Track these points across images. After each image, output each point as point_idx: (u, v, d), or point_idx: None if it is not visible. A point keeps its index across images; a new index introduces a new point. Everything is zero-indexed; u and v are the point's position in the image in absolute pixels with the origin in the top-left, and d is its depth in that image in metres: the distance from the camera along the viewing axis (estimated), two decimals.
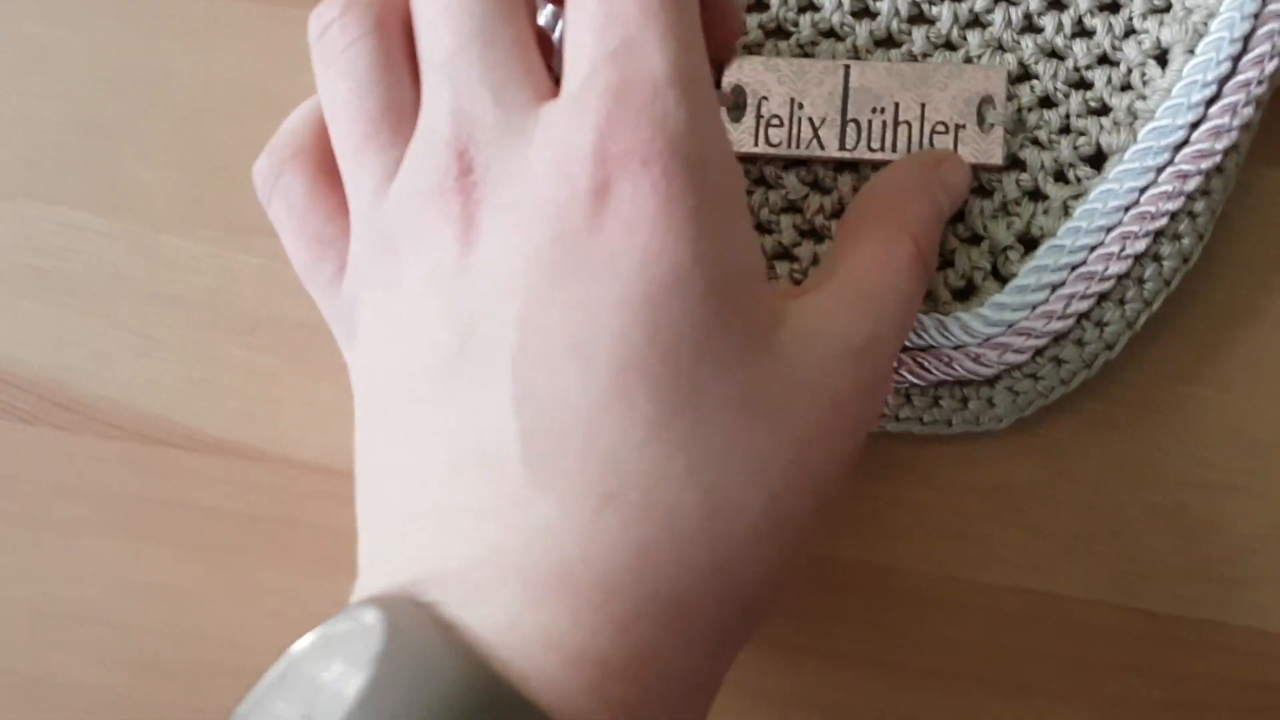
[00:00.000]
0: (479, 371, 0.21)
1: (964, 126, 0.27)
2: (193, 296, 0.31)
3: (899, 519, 0.28)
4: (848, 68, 0.28)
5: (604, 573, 0.20)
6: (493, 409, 0.20)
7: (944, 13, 0.28)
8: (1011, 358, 0.26)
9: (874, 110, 0.27)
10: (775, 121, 0.28)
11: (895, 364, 0.27)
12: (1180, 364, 0.28)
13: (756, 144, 0.28)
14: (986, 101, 0.27)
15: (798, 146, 0.28)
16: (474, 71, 0.22)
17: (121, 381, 0.31)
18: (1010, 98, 0.27)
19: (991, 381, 0.27)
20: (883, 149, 0.27)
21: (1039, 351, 0.27)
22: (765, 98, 0.28)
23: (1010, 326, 0.26)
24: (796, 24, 0.28)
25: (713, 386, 0.20)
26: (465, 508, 0.20)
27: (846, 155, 0.27)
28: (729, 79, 0.28)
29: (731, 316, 0.21)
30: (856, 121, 0.27)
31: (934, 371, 0.27)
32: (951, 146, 0.27)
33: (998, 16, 0.28)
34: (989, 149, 0.27)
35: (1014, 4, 0.28)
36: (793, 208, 0.28)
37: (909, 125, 0.27)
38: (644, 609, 0.20)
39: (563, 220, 0.20)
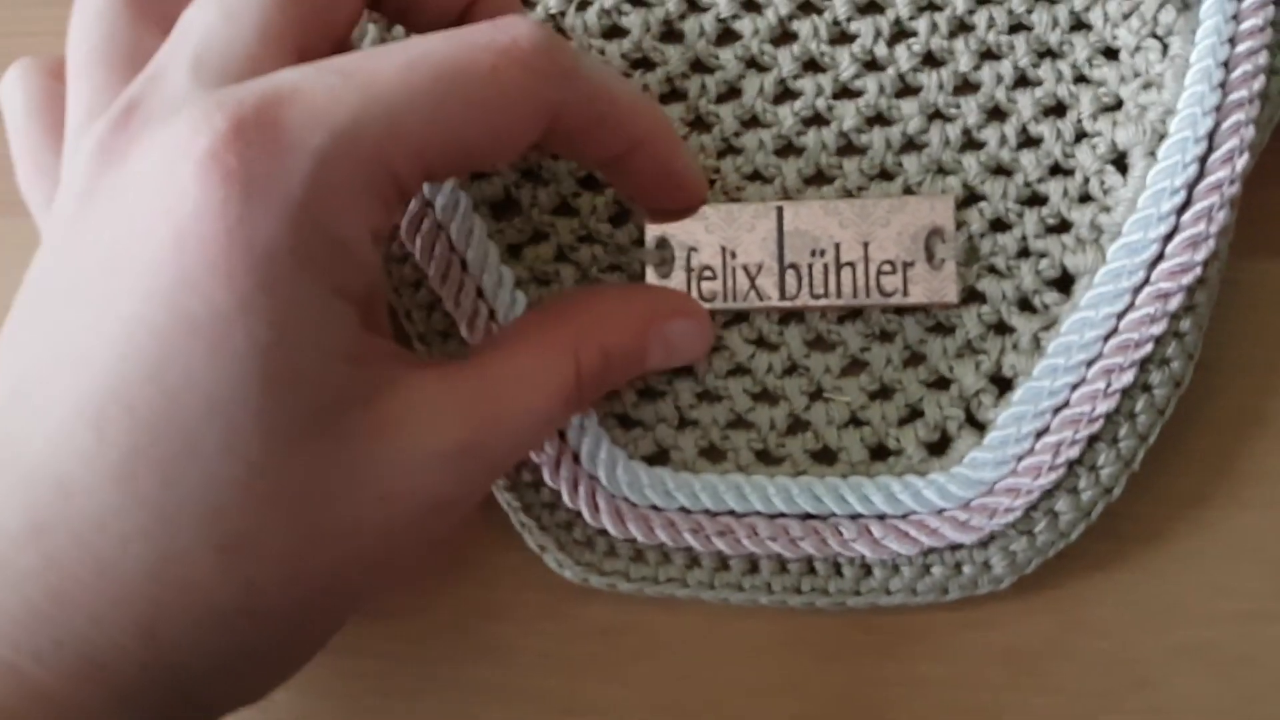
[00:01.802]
0: (6, 348, 0.19)
1: (912, 264, 0.24)
2: None
3: (910, 701, 0.26)
4: (780, 209, 0.25)
5: (9, 610, 0.18)
6: (5, 382, 0.19)
7: (875, 140, 0.25)
8: (1002, 518, 0.24)
9: (813, 253, 0.25)
10: (708, 274, 0.25)
11: (876, 536, 0.24)
12: (1187, 486, 0.25)
13: None
14: (934, 234, 0.24)
15: (735, 299, 0.25)
16: (194, 33, 0.20)
17: None
18: (959, 225, 0.25)
19: (985, 543, 0.24)
20: (826, 294, 0.25)
21: (1032, 506, 0.24)
22: (694, 249, 0.25)
23: (995, 485, 0.23)
24: (718, 170, 0.26)
25: (211, 453, 0.18)
26: None
27: (788, 305, 0.25)
28: (653, 231, 0.25)
29: (269, 390, 0.18)
30: (795, 267, 0.25)
31: (920, 540, 0.24)
32: (900, 286, 0.24)
33: (934, 136, 0.25)
34: (942, 287, 0.24)
35: (949, 121, 0.25)
36: (740, 370, 0.25)
37: (853, 267, 0.24)
38: (45, 658, 0.18)
39: (133, 213, 0.18)
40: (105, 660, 0.18)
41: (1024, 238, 0.25)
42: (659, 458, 0.25)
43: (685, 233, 0.25)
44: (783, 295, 0.25)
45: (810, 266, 0.25)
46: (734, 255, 0.25)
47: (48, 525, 0.18)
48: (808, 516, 0.25)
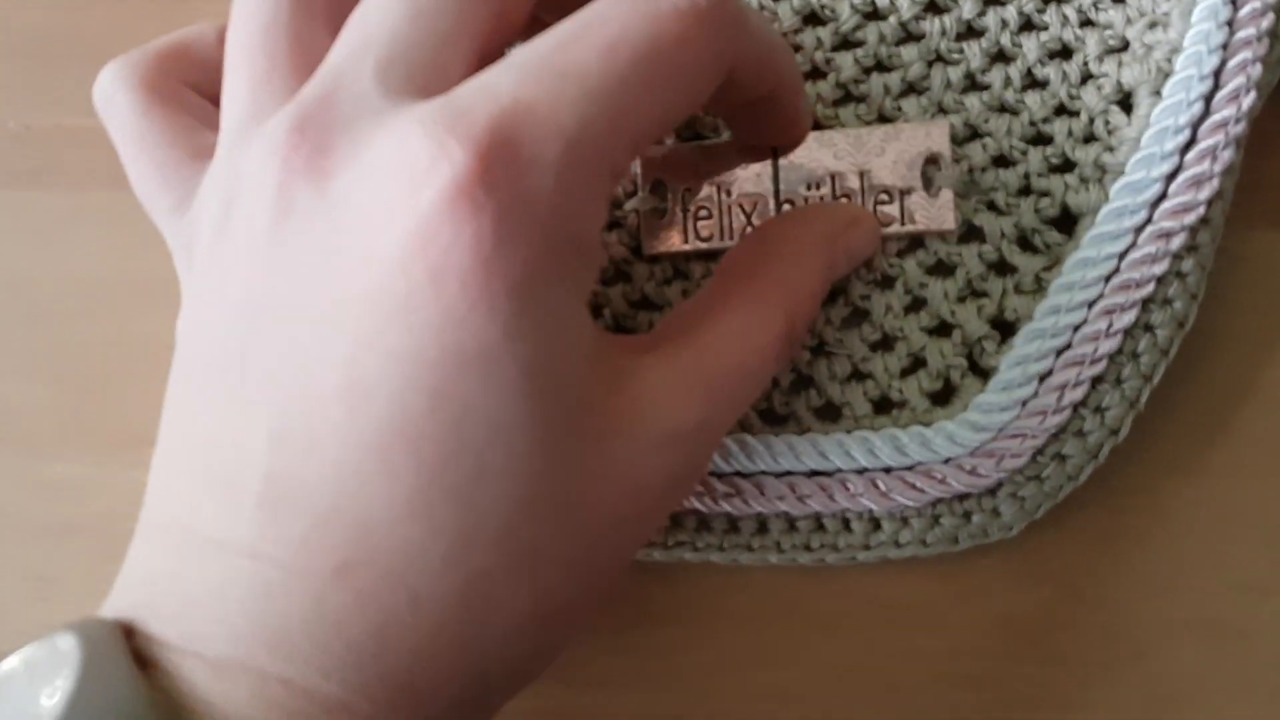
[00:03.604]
0: (253, 380, 0.19)
1: (909, 192, 0.24)
2: (87, 525, 0.28)
3: (907, 672, 0.25)
4: (774, 148, 0.25)
5: (326, 647, 0.18)
6: (250, 431, 0.18)
7: (873, 87, 0.25)
8: (1010, 463, 0.23)
9: (809, 187, 0.24)
10: (703, 214, 0.25)
11: (883, 489, 0.24)
12: (1187, 456, 0.25)
13: (686, 241, 0.25)
14: (931, 161, 0.24)
15: (732, 238, 0.25)
16: (379, 34, 0.19)
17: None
18: (958, 160, 0.24)
19: (993, 490, 0.24)
20: None
21: (1039, 451, 0.24)
22: (688, 189, 0.25)
23: (1001, 430, 0.23)
24: (716, 129, 0.26)
25: (496, 473, 0.18)
26: (203, 535, 0.19)
27: None
28: (645, 176, 0.25)
29: (538, 406, 0.18)
30: (792, 202, 0.25)
31: (927, 490, 0.24)
32: (898, 215, 0.24)
33: (935, 80, 0.25)
34: (940, 214, 0.24)
35: (952, 64, 0.25)
36: None
37: (849, 198, 0.24)
38: (370, 691, 0.18)
39: (370, 243, 0.18)
40: (423, 689, 0.19)
41: (1026, 175, 0.24)
42: None
43: (678, 176, 0.25)
44: None
45: (806, 200, 0.25)
46: (728, 193, 0.25)
47: (354, 563, 0.18)
48: (815, 473, 0.24)
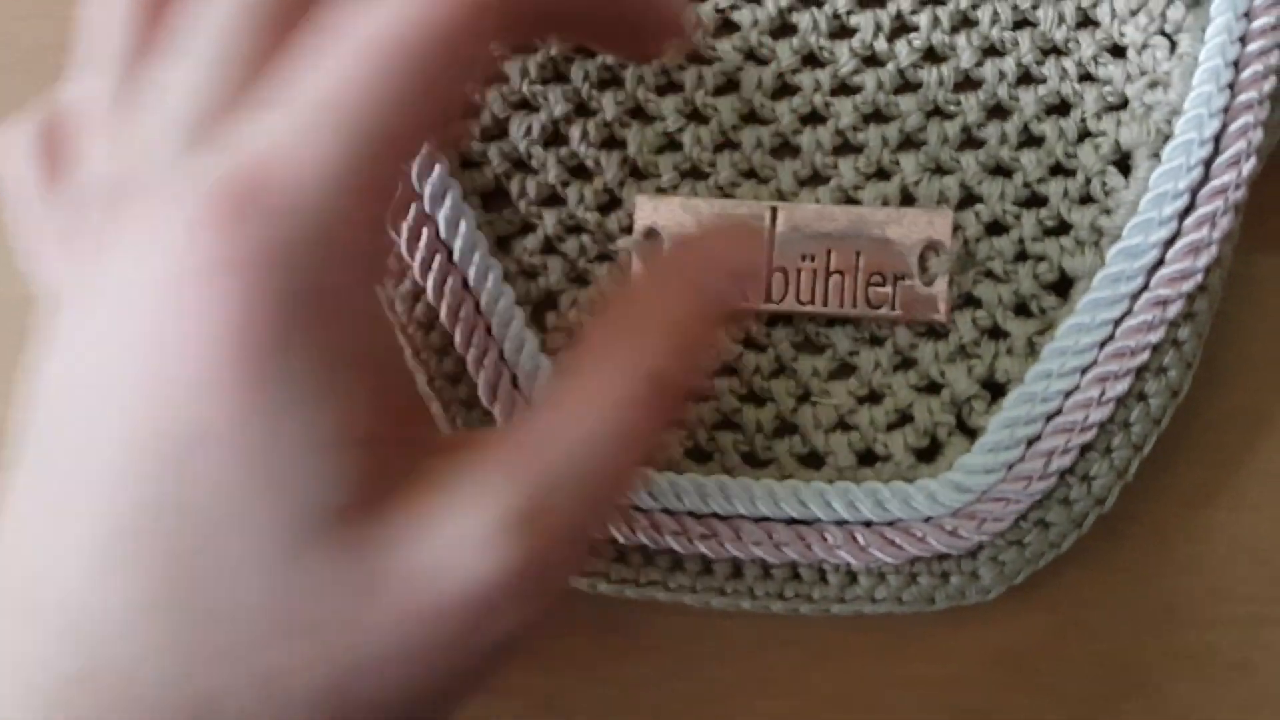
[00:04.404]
0: (46, 449, 0.18)
1: (904, 278, 0.24)
2: None
3: (903, 702, 0.25)
4: (775, 209, 0.24)
5: None
6: (19, 532, 0.18)
7: (871, 137, 0.25)
8: (991, 527, 0.23)
9: (803, 258, 0.24)
10: None
11: (861, 543, 0.24)
12: (1187, 486, 0.25)
13: None
14: (930, 248, 0.24)
15: None
16: (177, 119, 0.18)
17: None
18: (955, 229, 0.24)
19: (973, 553, 0.24)
20: (813, 301, 0.24)
21: (1022, 516, 0.23)
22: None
23: (985, 492, 0.23)
24: (714, 164, 0.25)
25: (229, 579, 0.16)
26: None
27: (772, 308, 0.24)
28: (641, 221, 0.25)
29: (271, 501, 0.16)
30: (784, 270, 0.24)
31: (906, 548, 0.23)
32: (890, 300, 0.24)
33: (932, 134, 0.24)
34: (931, 304, 0.24)
35: (949, 118, 0.25)
36: (727, 370, 0.25)
37: (842, 275, 0.24)
38: None
39: (133, 324, 0.17)
40: None
41: (1021, 240, 0.24)
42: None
43: (675, 223, 0.25)
44: (767, 298, 0.24)
45: (799, 271, 0.24)
46: None
47: (93, 671, 0.17)
48: (793, 521, 0.24)
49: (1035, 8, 0.24)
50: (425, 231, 0.25)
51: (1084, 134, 0.24)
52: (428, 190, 0.25)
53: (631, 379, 0.18)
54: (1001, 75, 0.24)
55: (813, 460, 0.25)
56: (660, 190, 0.25)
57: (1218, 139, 0.22)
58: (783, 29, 0.25)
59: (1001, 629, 0.25)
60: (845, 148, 0.25)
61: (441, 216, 0.25)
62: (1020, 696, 0.25)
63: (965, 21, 0.25)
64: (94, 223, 0.18)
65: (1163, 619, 0.25)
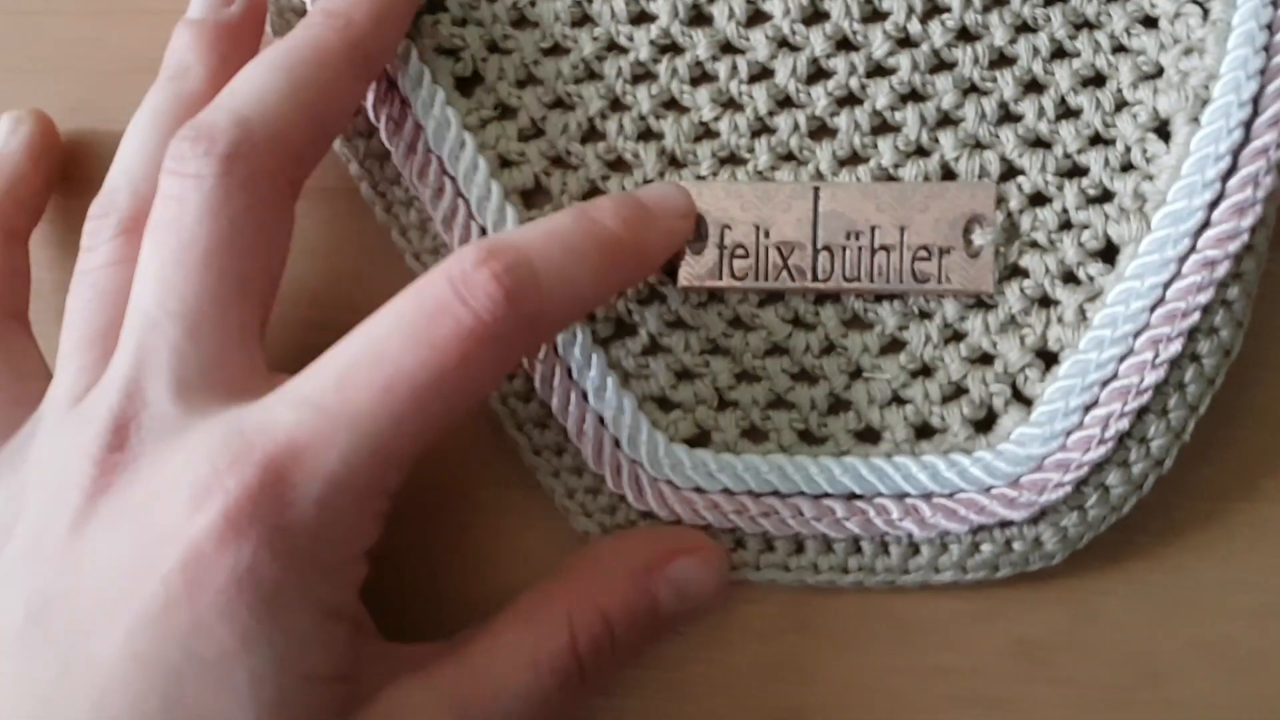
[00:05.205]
0: (31, 664, 0.20)
1: (949, 251, 0.24)
2: None
3: (922, 691, 0.25)
4: (817, 190, 0.25)
5: None
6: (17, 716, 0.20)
7: (909, 116, 0.25)
8: (1052, 494, 0.23)
9: (849, 235, 0.24)
10: (740, 252, 0.25)
11: (924, 515, 0.24)
12: (1204, 479, 0.25)
13: (720, 277, 0.25)
14: (974, 221, 0.24)
15: (766, 278, 0.25)
16: (162, 355, 0.21)
17: None
18: (998, 202, 0.24)
19: (1035, 520, 0.24)
20: (859, 278, 0.24)
21: (1083, 481, 0.23)
22: (728, 226, 0.25)
23: (1044, 460, 0.23)
24: (752, 149, 0.25)
25: None
26: None
27: (820, 286, 0.24)
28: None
29: (272, 714, 0.20)
30: (830, 249, 0.24)
31: (969, 518, 0.23)
32: (935, 273, 0.24)
33: (969, 111, 0.25)
34: (978, 275, 0.24)
35: (985, 94, 0.25)
36: (778, 349, 0.25)
37: (887, 251, 0.24)
38: None
39: (148, 554, 0.20)
40: None
41: (1065, 210, 0.24)
42: (700, 439, 0.25)
43: (719, 209, 0.25)
44: (815, 276, 0.25)
45: (845, 249, 0.24)
46: (767, 234, 0.25)
47: None
48: (853, 496, 0.24)
49: None
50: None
51: (1121, 104, 0.24)
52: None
53: (560, 634, 0.22)
54: (1035, 51, 0.25)
55: (869, 435, 0.25)
56: (699, 178, 0.26)
57: (1256, 100, 0.23)
58: (815, 16, 0.26)
59: (1019, 620, 0.25)
60: (883, 127, 0.25)
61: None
62: (1039, 687, 0.25)
63: (997, 1, 0.25)
64: (108, 457, 0.21)
65: (1178, 610, 0.25)
